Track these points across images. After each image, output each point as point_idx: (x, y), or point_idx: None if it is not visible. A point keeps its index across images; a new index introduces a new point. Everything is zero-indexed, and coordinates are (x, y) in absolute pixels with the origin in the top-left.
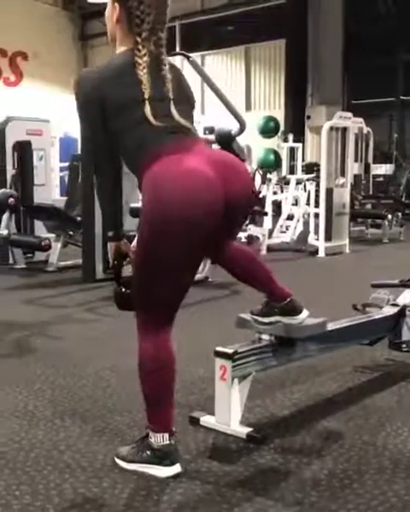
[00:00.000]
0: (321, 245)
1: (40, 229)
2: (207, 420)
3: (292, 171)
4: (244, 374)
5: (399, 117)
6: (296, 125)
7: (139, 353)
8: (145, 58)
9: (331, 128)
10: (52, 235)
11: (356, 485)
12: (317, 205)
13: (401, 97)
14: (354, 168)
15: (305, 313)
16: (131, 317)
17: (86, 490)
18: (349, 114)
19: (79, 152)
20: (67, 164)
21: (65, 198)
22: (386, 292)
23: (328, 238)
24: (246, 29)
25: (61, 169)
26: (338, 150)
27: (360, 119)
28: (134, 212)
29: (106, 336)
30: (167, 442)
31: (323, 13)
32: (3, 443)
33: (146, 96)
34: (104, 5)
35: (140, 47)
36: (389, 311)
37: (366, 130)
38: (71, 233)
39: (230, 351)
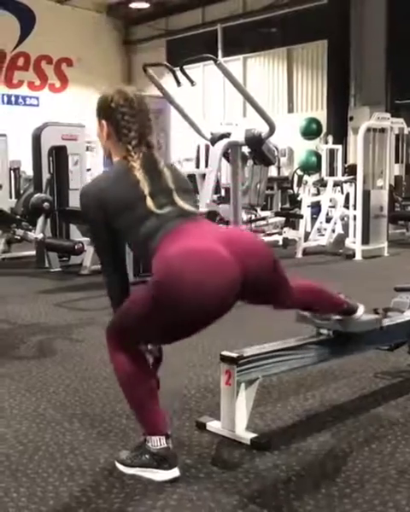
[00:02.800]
0: (358, 248)
1: (75, 232)
2: (213, 425)
3: (332, 173)
4: (250, 379)
5: None
6: (339, 126)
7: (113, 364)
8: (139, 161)
9: (369, 129)
10: (86, 239)
11: (356, 495)
12: (356, 207)
13: None
14: (394, 169)
15: (361, 310)
16: None
17: (82, 493)
18: (388, 115)
19: None
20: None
21: None
22: (409, 296)
23: (365, 241)
24: (288, 31)
25: None
26: (375, 151)
27: (401, 120)
28: None
29: None
30: (164, 445)
31: (366, 12)
32: (10, 445)
33: (146, 192)
34: (148, 10)
35: (132, 153)
36: None
37: (407, 130)
38: None
39: (234, 355)
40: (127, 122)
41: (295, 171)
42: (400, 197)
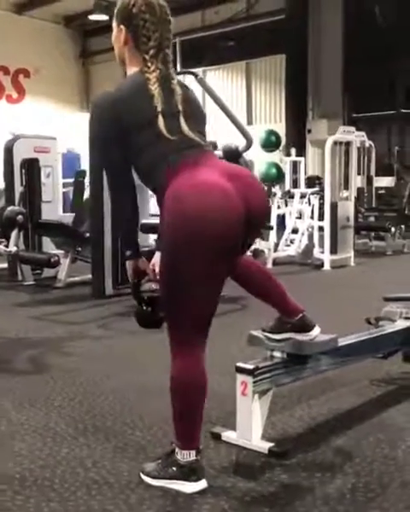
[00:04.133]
0: (326, 258)
1: (47, 245)
2: (228, 435)
3: (295, 184)
4: (264, 389)
5: (399, 130)
6: (297, 138)
7: (172, 370)
8: (155, 73)
9: (335, 142)
10: (61, 252)
11: (380, 499)
12: (320, 218)
13: (402, 110)
14: (357, 181)
15: (317, 330)
16: (145, 334)
17: (114, 507)
18: (352, 128)
19: (84, 168)
20: (69, 180)
21: (71, 214)
22: (399, 305)
23: (333, 251)
24: (247, 44)
25: (65, 185)
26: (341, 164)
27: (363, 133)
28: (145, 228)
29: (120, 353)
30: (194, 458)
31: (323, 27)
32: (30, 460)
33: (159, 109)
34: (106, 22)
35: (149, 64)
36: (402, 324)
37: (367, 143)
38: (79, 249)
39: (251, 366)
40: (148, 30)
41: None
42: (362, 208)
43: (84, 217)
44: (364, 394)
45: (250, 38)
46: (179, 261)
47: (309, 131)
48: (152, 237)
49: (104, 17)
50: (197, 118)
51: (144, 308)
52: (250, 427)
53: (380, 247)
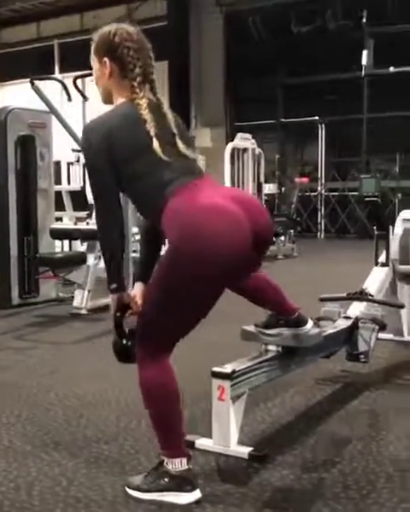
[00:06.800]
0: None
1: None
2: (202, 443)
3: None
4: (239, 393)
5: (279, 139)
6: None
7: (141, 381)
8: (145, 99)
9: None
10: None
11: (374, 495)
12: None
13: (281, 120)
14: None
15: (310, 323)
16: (67, 344)
17: None
18: (249, 136)
19: None
20: None
21: None
22: (336, 305)
23: None
24: None
25: None
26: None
27: (253, 141)
28: (55, 234)
29: (49, 363)
30: (186, 467)
31: (204, 36)
32: None
33: (152, 133)
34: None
35: (137, 90)
36: (343, 324)
37: (257, 150)
38: None
39: (228, 370)
40: (132, 57)
41: None
42: None
43: None
44: (314, 394)
45: None
46: (184, 283)
47: (193, 139)
48: (58, 243)
49: None
50: (189, 142)
51: (125, 342)
52: (228, 432)
53: (271, 251)
